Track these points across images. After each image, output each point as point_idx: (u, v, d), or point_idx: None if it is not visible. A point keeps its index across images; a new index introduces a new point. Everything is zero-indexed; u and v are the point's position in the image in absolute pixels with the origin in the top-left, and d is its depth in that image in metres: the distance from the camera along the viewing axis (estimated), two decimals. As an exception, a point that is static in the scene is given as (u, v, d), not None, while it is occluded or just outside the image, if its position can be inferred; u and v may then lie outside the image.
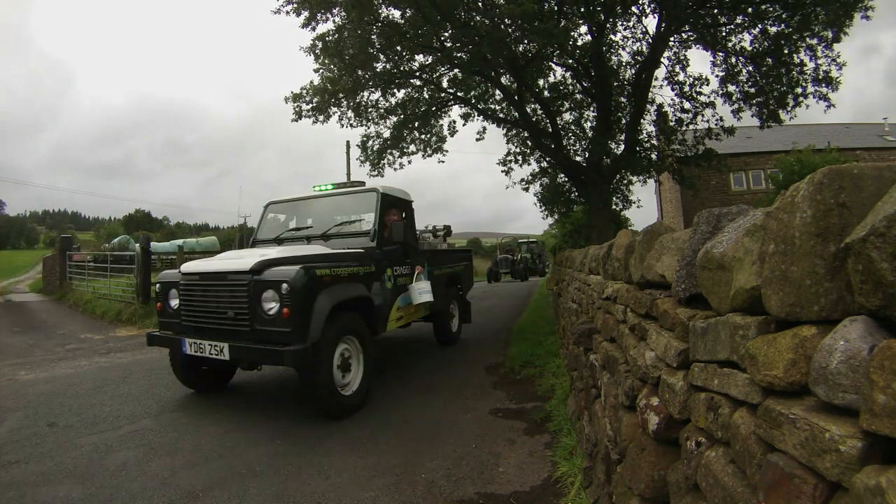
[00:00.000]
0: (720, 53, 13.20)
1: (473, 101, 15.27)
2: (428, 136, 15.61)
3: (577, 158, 14.69)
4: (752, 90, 13.17)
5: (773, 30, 12.13)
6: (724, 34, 12.87)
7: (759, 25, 12.27)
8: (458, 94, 15.01)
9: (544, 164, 16.46)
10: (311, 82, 12.97)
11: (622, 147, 13.64)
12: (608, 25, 12.66)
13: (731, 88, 13.52)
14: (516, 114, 14.18)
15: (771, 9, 11.59)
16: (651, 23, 22.01)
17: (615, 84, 13.23)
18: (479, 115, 15.24)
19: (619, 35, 13.71)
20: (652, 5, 12.61)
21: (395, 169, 15.29)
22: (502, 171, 16.39)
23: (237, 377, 5.64)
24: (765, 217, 1.03)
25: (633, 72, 13.62)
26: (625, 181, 15.62)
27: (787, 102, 12.77)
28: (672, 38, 12.92)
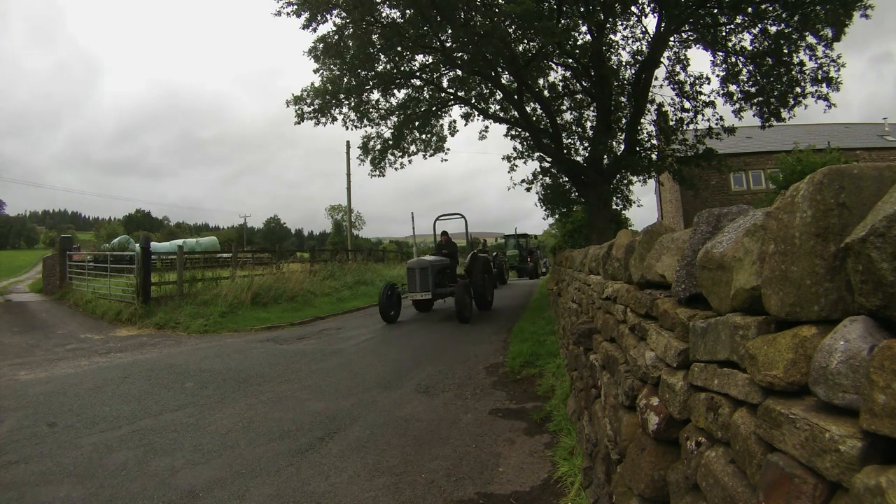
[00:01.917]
0: (720, 53, 13.21)
1: (474, 101, 15.28)
2: (428, 135, 15.62)
3: (578, 158, 14.70)
4: (753, 90, 13.18)
5: (773, 29, 12.15)
6: (724, 34, 12.88)
7: (759, 25, 12.28)
8: (459, 94, 15.02)
9: (545, 164, 16.50)
10: (312, 84, 12.98)
11: (622, 147, 13.65)
12: (608, 25, 12.67)
13: (732, 88, 13.53)
14: (516, 113, 14.20)
15: (771, 8, 11.60)
16: (651, 22, 22.01)
17: (615, 84, 13.23)
18: (479, 115, 15.26)
19: (618, 35, 13.74)
20: (651, 5, 12.63)
21: (396, 169, 15.31)
22: (508, 169, 16.49)
23: (238, 376, 5.64)
24: (765, 217, 1.03)
25: (633, 71, 13.63)
26: (625, 181, 15.62)
27: (787, 101, 12.78)
28: (672, 38, 12.93)
